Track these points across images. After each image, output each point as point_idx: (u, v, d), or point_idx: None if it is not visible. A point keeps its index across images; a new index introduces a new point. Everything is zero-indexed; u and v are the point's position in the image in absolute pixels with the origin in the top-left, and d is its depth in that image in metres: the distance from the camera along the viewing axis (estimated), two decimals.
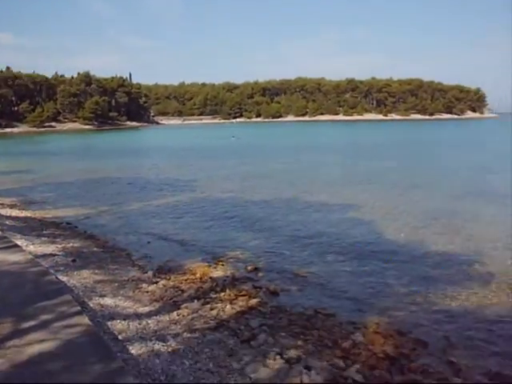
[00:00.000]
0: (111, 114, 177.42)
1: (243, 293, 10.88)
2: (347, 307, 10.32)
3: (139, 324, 8.63)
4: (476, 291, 11.21)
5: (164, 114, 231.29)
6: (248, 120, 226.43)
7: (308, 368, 7.37)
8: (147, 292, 10.79)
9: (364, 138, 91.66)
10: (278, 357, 7.66)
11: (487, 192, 24.72)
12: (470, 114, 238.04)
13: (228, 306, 9.91)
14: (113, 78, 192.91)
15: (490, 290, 11.28)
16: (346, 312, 10.05)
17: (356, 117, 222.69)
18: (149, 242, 16.14)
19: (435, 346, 8.59)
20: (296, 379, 7.01)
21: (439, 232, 16.88)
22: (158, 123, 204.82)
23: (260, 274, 12.52)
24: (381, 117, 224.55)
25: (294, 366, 7.44)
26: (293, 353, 7.86)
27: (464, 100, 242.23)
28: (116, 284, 11.19)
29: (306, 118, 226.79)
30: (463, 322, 9.60)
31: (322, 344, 8.36)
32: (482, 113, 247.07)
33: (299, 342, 8.32)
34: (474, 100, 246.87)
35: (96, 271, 12.11)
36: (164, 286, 11.28)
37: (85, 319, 7.67)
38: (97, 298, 9.86)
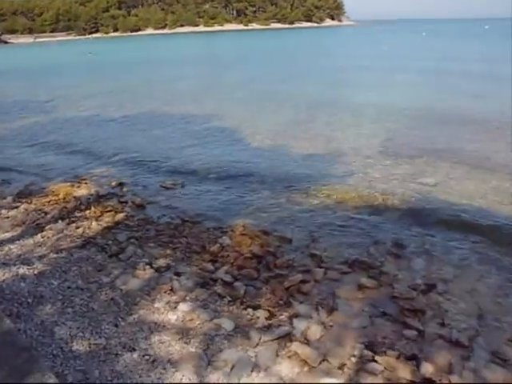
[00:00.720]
0: None
1: (109, 209, 10.78)
2: (214, 214, 10.57)
3: (1, 251, 8.35)
4: (336, 188, 11.80)
5: (12, 32, 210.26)
6: (105, 35, 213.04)
7: (178, 274, 7.59)
8: (7, 218, 10.31)
9: (223, 49, 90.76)
10: (147, 267, 7.78)
11: (343, 100, 25.52)
12: (329, 22, 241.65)
13: (94, 223, 9.80)
14: None
15: (349, 186, 11.97)
16: (213, 219, 10.30)
17: (217, 27, 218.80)
18: (5, 170, 15.22)
19: (299, 241, 9.05)
20: (167, 286, 7.16)
21: (300, 137, 17.45)
22: (5, 42, 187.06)
23: (125, 189, 12.40)
24: (241, 27, 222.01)
25: (164, 273, 7.64)
26: (162, 261, 8.03)
27: (323, 8, 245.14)
28: None
29: (166, 30, 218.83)
30: (324, 218, 10.14)
31: (191, 250, 8.59)
32: (340, 21, 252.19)
33: (168, 251, 8.50)
34: (332, 8, 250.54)
35: None
36: (26, 209, 10.82)
37: None
38: None
